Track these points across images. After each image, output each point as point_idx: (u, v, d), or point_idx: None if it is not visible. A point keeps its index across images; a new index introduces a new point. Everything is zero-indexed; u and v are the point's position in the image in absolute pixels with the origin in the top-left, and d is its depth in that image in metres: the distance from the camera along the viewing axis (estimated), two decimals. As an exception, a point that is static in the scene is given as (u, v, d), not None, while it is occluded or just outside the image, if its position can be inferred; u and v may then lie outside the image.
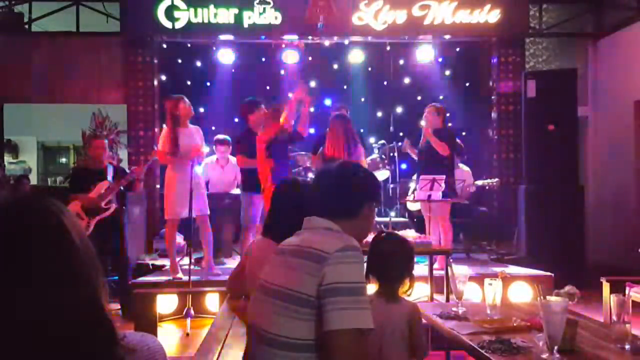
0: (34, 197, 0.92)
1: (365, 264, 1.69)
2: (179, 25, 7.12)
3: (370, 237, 2.45)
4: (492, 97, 7.74)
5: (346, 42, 7.88)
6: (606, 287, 3.96)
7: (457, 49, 8.48)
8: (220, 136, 6.67)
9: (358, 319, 1.52)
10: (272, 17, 7.14)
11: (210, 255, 5.49)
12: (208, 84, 8.84)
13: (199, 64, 8.79)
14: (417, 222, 6.33)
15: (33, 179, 9.50)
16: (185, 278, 5.04)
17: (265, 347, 1.61)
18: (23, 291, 0.83)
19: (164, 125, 5.41)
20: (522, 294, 5.04)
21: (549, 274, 5.37)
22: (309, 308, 1.56)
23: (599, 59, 7.77)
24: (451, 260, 4.26)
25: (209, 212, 5.42)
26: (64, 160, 11.27)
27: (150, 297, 4.66)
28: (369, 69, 8.78)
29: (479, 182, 6.75)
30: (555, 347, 1.90)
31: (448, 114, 8.66)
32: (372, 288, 2.33)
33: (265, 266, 1.79)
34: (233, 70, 8.43)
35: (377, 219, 6.83)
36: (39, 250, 0.86)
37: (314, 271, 1.57)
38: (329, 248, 1.59)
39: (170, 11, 7.10)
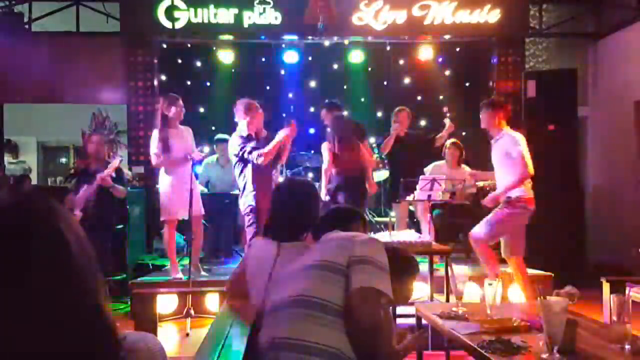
0: (31, 199, 0.91)
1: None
2: (179, 25, 7.12)
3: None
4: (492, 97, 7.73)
5: (346, 42, 7.88)
6: (606, 287, 3.96)
7: (457, 49, 8.48)
8: (221, 136, 6.66)
9: (380, 283, 1.80)
10: (272, 17, 7.13)
11: (198, 257, 5.44)
12: (208, 84, 8.85)
13: (199, 64, 8.79)
14: (417, 222, 6.34)
15: (33, 179, 9.50)
16: (185, 278, 5.04)
17: (299, 309, 1.83)
18: (20, 293, 0.83)
19: (154, 130, 5.31)
20: (522, 294, 5.03)
21: (549, 274, 5.37)
22: (340, 275, 1.83)
23: (599, 59, 7.77)
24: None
25: (203, 212, 5.41)
26: (64, 160, 11.28)
27: (150, 297, 4.66)
28: (369, 69, 8.78)
29: (480, 184, 6.74)
30: (555, 347, 1.90)
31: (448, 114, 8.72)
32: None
33: (278, 263, 2.14)
34: (233, 70, 8.44)
35: (377, 218, 6.86)
36: (35, 253, 0.86)
37: (346, 244, 1.91)
38: (355, 234, 2.01)
39: (170, 11, 7.10)
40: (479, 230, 4.71)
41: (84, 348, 0.86)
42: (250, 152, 4.96)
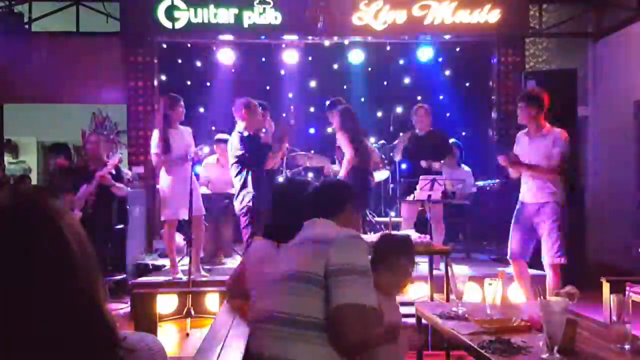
0: (31, 198, 0.91)
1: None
2: (179, 25, 7.11)
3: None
4: (492, 97, 7.74)
5: (346, 42, 7.88)
6: (606, 287, 3.96)
7: (457, 49, 8.48)
8: (221, 136, 6.66)
9: (362, 296, 1.70)
10: (272, 17, 7.13)
11: (198, 257, 5.44)
12: (208, 84, 8.85)
13: (199, 64, 8.79)
14: (417, 222, 6.33)
15: (33, 179, 9.49)
16: (185, 278, 5.04)
17: (278, 327, 1.75)
18: (20, 293, 0.83)
19: (155, 130, 5.32)
20: (522, 294, 5.03)
21: (549, 273, 5.36)
22: (317, 287, 1.73)
23: (599, 59, 7.76)
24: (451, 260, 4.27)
25: (204, 212, 5.41)
26: (64, 160, 11.25)
27: (150, 297, 4.66)
28: (369, 69, 8.78)
29: (480, 183, 6.74)
30: (555, 347, 1.90)
31: (448, 114, 8.74)
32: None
33: (269, 265, 1.95)
34: (233, 70, 8.44)
35: (377, 218, 6.85)
36: (36, 252, 0.86)
37: (320, 252, 1.77)
38: (332, 234, 1.84)
39: (170, 11, 7.10)
40: (554, 253, 4.32)
41: (84, 348, 0.86)
42: (251, 162, 5.02)
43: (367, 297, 1.72)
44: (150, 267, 6.08)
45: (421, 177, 5.15)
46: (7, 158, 9.55)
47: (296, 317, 1.73)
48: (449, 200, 5.49)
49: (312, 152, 7.25)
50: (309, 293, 1.74)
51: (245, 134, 5.13)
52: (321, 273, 1.74)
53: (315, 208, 2.09)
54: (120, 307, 5.30)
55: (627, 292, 3.65)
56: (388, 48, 8.14)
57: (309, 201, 2.17)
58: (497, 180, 6.44)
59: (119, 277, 5.72)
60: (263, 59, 8.74)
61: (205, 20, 7.13)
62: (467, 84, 8.81)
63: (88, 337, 0.87)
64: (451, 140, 6.48)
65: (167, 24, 7.11)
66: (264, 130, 5.44)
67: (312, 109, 8.87)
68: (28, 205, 0.90)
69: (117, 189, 5.41)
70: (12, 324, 0.82)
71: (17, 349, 0.82)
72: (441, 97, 8.75)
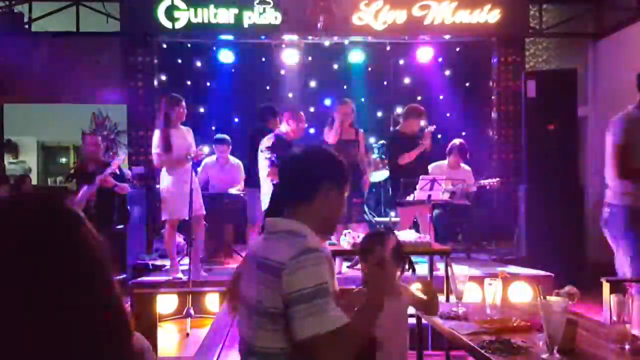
0: (55, 198, 0.92)
1: (324, 264, 1.62)
2: (179, 25, 7.12)
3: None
4: (492, 97, 7.74)
5: (346, 42, 7.89)
6: (606, 287, 3.95)
7: (457, 49, 8.49)
8: (220, 136, 6.67)
9: (324, 322, 1.53)
10: (272, 17, 7.14)
11: (198, 256, 5.44)
12: (208, 84, 8.86)
13: (199, 64, 8.80)
14: (417, 222, 6.32)
15: (33, 179, 9.50)
16: (185, 278, 5.04)
17: (253, 358, 1.66)
18: (64, 292, 0.84)
19: (156, 130, 5.31)
20: (522, 294, 5.04)
21: (549, 274, 5.37)
22: (278, 319, 1.59)
23: (599, 59, 7.76)
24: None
25: (204, 212, 5.41)
26: (64, 160, 11.29)
27: (150, 297, 4.66)
28: (369, 69, 8.78)
29: (480, 182, 6.74)
30: (555, 347, 1.89)
31: (448, 114, 8.75)
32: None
33: (244, 276, 1.80)
34: (233, 70, 8.44)
35: (377, 218, 6.83)
36: (69, 253, 0.87)
37: (273, 284, 1.58)
38: (282, 257, 1.58)
39: (170, 11, 7.10)
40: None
41: (109, 347, 0.87)
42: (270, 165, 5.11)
43: (329, 321, 1.53)
44: (150, 267, 6.08)
45: (421, 177, 5.14)
46: (7, 158, 9.56)
47: (264, 350, 1.63)
48: (449, 200, 5.49)
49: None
50: (269, 328, 1.61)
51: (284, 137, 5.31)
52: (280, 306, 1.57)
53: (284, 190, 1.80)
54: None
55: (627, 292, 3.64)
56: (388, 48, 8.14)
57: (282, 175, 1.85)
58: (498, 179, 6.45)
59: (119, 277, 5.71)
60: (263, 59, 8.75)
61: (205, 20, 7.14)
62: (467, 84, 8.81)
63: (113, 337, 0.88)
64: (458, 141, 6.48)
65: (167, 24, 7.11)
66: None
67: (312, 109, 8.87)
68: (55, 205, 0.91)
69: (120, 188, 5.43)
70: (38, 323, 0.82)
71: (41, 349, 0.82)
72: (441, 97, 8.76)
